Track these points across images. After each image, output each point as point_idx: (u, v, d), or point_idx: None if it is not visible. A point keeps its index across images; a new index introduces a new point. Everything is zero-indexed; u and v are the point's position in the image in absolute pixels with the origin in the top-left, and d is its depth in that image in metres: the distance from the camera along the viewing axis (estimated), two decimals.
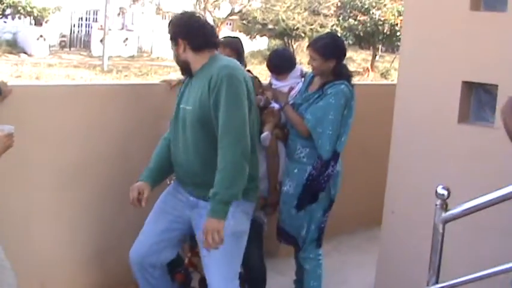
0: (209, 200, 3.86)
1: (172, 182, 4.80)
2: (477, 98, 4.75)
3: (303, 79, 5.13)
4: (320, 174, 4.76)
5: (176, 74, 25.44)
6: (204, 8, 33.40)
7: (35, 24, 35.70)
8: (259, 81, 5.27)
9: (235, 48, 5.29)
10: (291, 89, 5.07)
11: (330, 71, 4.80)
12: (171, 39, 4.24)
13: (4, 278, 4.02)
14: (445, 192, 3.28)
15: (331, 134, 4.69)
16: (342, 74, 4.83)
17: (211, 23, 23.82)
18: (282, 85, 5.11)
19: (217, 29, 30.01)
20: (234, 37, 5.65)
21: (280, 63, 5.19)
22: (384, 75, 33.26)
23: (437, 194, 3.30)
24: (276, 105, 5.07)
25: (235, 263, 4.22)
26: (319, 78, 4.90)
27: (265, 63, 5.38)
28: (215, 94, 3.88)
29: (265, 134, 5.00)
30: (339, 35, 33.19)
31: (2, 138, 3.73)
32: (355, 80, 5.48)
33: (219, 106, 3.87)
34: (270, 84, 5.30)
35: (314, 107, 4.76)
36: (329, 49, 4.81)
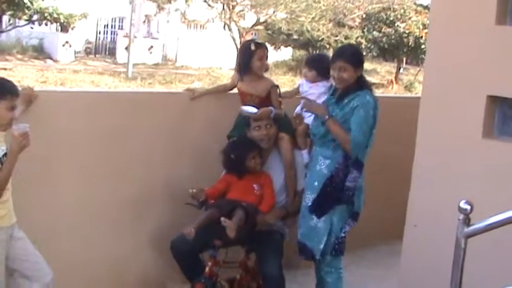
0: None
1: (195, 190, 4.82)
2: (502, 113, 4.72)
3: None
4: (340, 178, 4.75)
5: (200, 83, 25.37)
6: (230, 18, 33.42)
7: (61, 31, 35.99)
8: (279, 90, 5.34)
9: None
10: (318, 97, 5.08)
11: (354, 81, 4.79)
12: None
13: (40, 275, 4.11)
14: (468, 207, 3.25)
15: (363, 140, 4.68)
16: (366, 83, 4.83)
17: (236, 33, 23.85)
18: (311, 92, 5.13)
19: (242, 39, 30.18)
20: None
21: (322, 62, 5.24)
22: (407, 88, 33.14)
23: (460, 209, 3.28)
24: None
25: None
26: (340, 89, 4.87)
27: (306, 59, 5.48)
28: None
29: (305, 152, 5.11)
30: (363, 46, 33.48)
31: (18, 137, 3.76)
32: (379, 92, 5.48)
33: None
34: (298, 89, 5.34)
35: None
36: (358, 57, 4.84)
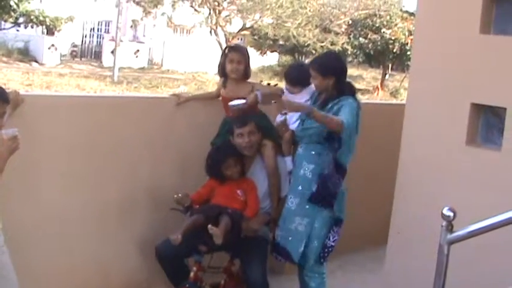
0: None
1: (180, 195, 4.82)
2: (485, 121, 4.77)
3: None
4: (331, 176, 4.78)
5: (185, 88, 25.27)
6: (216, 23, 33.44)
7: (47, 34, 35.91)
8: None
9: (247, 54, 5.40)
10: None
11: (330, 87, 4.84)
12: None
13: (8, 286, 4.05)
14: (451, 214, 3.28)
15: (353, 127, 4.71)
16: (344, 91, 4.84)
17: (223, 37, 23.85)
18: (294, 100, 5.15)
19: (228, 44, 30.23)
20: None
21: (297, 74, 5.26)
22: (393, 94, 33.30)
23: (443, 216, 3.31)
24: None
25: None
26: (323, 94, 4.93)
27: (283, 73, 5.49)
28: None
29: (289, 158, 5.11)
30: (349, 52, 33.56)
31: (6, 141, 3.75)
32: (364, 98, 5.52)
33: None
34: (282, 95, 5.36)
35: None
36: (326, 67, 4.86)
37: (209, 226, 4.59)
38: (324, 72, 4.81)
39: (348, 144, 4.72)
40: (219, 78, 5.60)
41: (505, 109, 4.55)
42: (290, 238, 4.87)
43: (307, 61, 33.44)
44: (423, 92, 5.04)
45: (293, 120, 5.12)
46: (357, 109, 4.75)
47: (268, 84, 5.51)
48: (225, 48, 5.52)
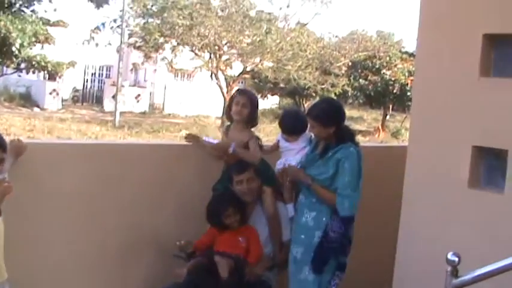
0: None
1: (182, 242, 4.80)
2: (487, 163, 4.76)
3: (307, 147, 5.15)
4: (337, 235, 4.75)
5: (186, 131, 25.33)
6: (217, 67, 33.57)
7: (48, 79, 36.11)
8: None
9: (255, 101, 5.38)
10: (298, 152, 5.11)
11: (331, 135, 4.82)
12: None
13: None
14: (456, 259, 3.27)
15: (350, 192, 4.69)
16: (344, 138, 4.81)
17: (223, 81, 23.88)
18: (292, 148, 5.14)
19: (229, 88, 30.09)
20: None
21: (293, 124, 5.22)
22: (394, 134, 33.33)
23: (447, 261, 3.29)
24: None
25: None
26: (323, 141, 4.91)
27: (278, 122, 5.43)
28: None
29: (291, 205, 5.10)
30: (349, 94, 33.63)
31: None
32: (365, 140, 5.51)
33: None
34: (278, 144, 5.32)
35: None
36: (326, 116, 4.81)
37: (216, 257, 4.59)
38: (326, 123, 4.78)
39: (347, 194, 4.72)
40: (220, 124, 5.59)
41: (507, 151, 4.55)
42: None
43: (307, 104, 33.47)
44: (424, 134, 5.05)
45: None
46: (357, 157, 4.74)
47: (257, 137, 5.43)
48: (235, 91, 5.52)
